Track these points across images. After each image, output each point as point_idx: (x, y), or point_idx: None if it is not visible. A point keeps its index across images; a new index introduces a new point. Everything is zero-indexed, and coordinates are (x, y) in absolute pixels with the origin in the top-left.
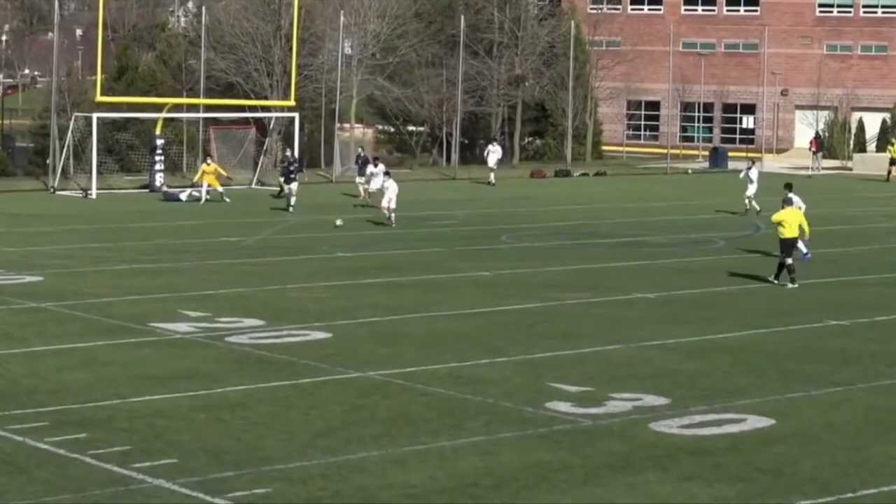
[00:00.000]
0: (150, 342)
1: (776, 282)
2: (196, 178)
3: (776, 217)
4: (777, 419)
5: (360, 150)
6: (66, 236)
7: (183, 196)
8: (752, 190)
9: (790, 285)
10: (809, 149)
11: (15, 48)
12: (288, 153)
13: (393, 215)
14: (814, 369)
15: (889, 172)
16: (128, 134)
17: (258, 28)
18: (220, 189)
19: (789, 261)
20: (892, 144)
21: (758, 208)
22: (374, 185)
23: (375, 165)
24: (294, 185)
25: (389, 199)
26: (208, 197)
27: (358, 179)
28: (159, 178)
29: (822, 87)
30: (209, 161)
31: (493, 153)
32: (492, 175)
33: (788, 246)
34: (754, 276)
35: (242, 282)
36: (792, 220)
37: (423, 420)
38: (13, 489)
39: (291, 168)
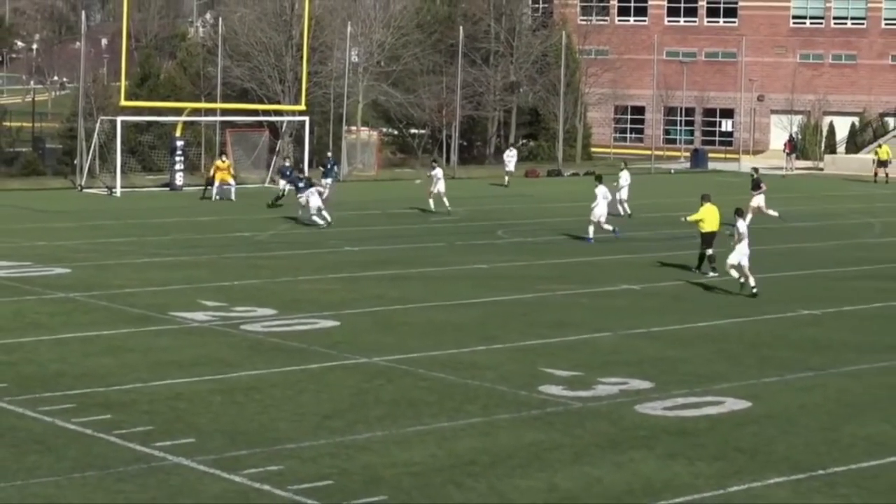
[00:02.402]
0: (169, 330)
1: (698, 271)
2: (210, 174)
3: (694, 217)
4: (753, 402)
5: (328, 154)
6: (92, 231)
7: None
8: (624, 193)
9: (711, 273)
10: (784, 150)
11: (45, 56)
12: (287, 163)
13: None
14: (788, 355)
15: (875, 174)
16: (150, 136)
17: (271, 38)
18: (232, 183)
19: (710, 251)
20: (880, 147)
21: (629, 211)
22: (440, 186)
23: (433, 168)
24: (312, 197)
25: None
26: (217, 197)
27: (323, 181)
28: (179, 178)
29: (796, 93)
30: (223, 158)
31: (512, 158)
32: (506, 178)
33: (709, 239)
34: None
35: (256, 274)
36: (710, 216)
37: (424, 403)
38: (43, 466)
39: (300, 180)
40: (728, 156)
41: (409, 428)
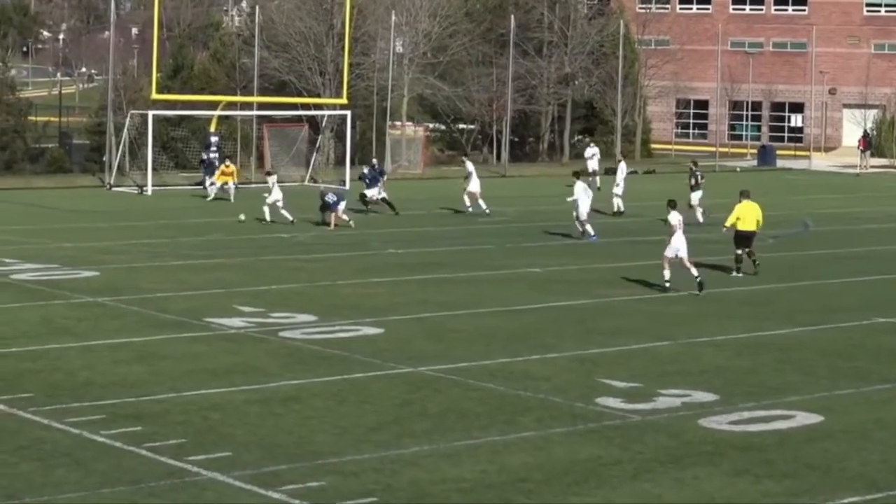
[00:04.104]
0: (204, 337)
1: (740, 274)
2: (215, 178)
3: (730, 220)
4: (826, 416)
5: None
6: (121, 232)
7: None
8: (620, 189)
9: (734, 273)
10: (857, 147)
11: (72, 47)
12: (365, 169)
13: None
14: (863, 366)
15: None
16: (182, 131)
17: (311, 27)
18: (232, 185)
19: (739, 251)
20: None
21: (623, 209)
22: (472, 185)
23: (464, 163)
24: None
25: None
26: (226, 196)
27: (368, 192)
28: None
29: (870, 85)
30: (228, 163)
31: (594, 155)
32: (597, 179)
33: (743, 237)
34: (802, 273)
35: (295, 277)
36: (747, 214)
37: (474, 415)
38: (70, 481)
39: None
40: (798, 153)
41: (457, 442)
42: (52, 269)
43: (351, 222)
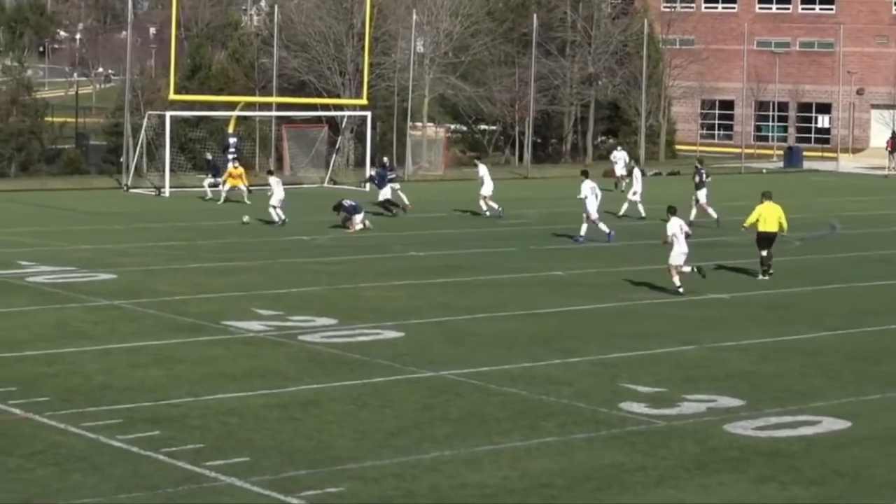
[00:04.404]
0: (222, 340)
1: (765, 276)
2: (222, 180)
3: (750, 220)
4: (853, 421)
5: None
6: (139, 234)
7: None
8: (637, 188)
9: (760, 276)
10: (886, 148)
11: (89, 47)
12: (372, 172)
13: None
14: (890, 371)
15: None
16: (200, 132)
17: (330, 27)
18: (244, 188)
19: (764, 253)
20: None
21: (643, 214)
22: (484, 187)
23: (476, 165)
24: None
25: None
26: (239, 198)
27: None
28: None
29: None
30: (236, 165)
31: (620, 158)
32: (623, 183)
33: (764, 239)
34: (828, 277)
35: (314, 280)
36: (767, 215)
37: (495, 420)
38: (87, 486)
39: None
40: (825, 154)
41: (479, 447)
42: (69, 272)
43: (369, 224)
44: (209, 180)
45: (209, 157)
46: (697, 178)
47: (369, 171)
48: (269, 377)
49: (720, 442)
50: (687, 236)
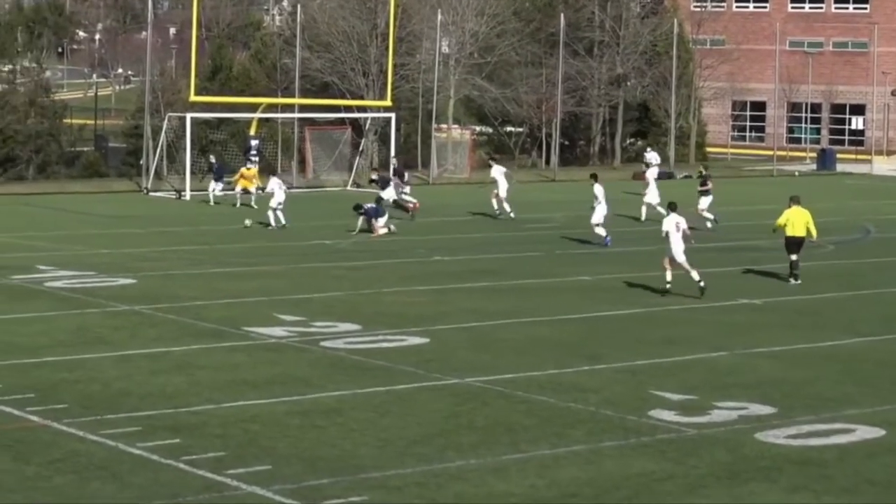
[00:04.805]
0: (244, 346)
1: (797, 281)
2: (233, 181)
3: (778, 223)
4: (888, 430)
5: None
6: (159, 238)
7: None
8: (654, 196)
9: (792, 281)
10: None
11: (108, 47)
12: (378, 174)
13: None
14: None
15: None
16: (221, 134)
17: (354, 27)
18: (254, 191)
19: (794, 257)
20: None
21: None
22: (500, 188)
23: (491, 166)
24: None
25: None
26: (247, 201)
27: (384, 194)
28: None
29: None
30: (249, 166)
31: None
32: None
33: (792, 243)
34: (862, 282)
35: (337, 285)
36: (795, 219)
37: (522, 428)
38: (106, 494)
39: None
40: (859, 157)
41: (505, 455)
42: (88, 277)
43: (393, 228)
44: (214, 185)
45: (213, 159)
46: (703, 186)
47: (371, 176)
48: (291, 384)
49: (751, 450)
50: (685, 235)
